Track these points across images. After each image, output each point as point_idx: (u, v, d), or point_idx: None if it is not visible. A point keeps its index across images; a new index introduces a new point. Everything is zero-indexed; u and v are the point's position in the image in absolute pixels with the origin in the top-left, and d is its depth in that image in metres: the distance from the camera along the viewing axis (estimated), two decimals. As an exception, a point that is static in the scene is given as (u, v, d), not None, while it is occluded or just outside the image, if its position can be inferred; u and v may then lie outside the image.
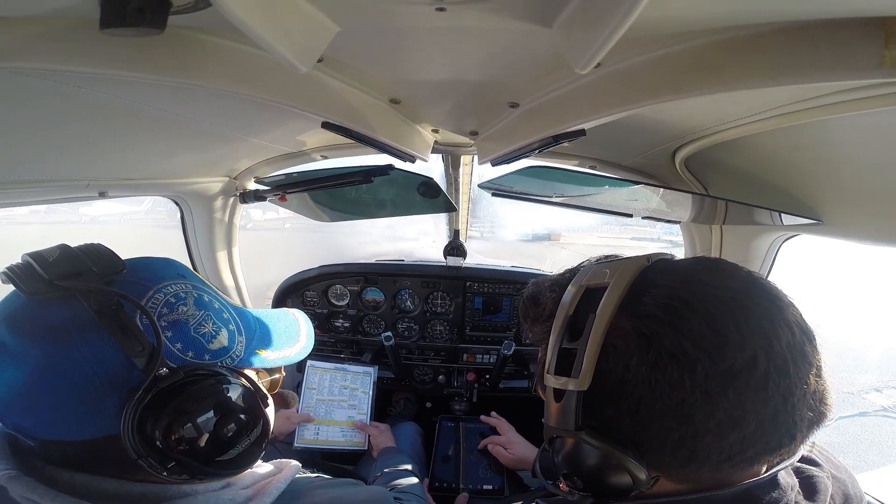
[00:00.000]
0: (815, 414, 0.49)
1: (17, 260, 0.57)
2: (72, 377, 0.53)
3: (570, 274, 0.63)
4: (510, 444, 1.62)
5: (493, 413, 1.79)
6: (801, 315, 0.50)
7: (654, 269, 0.55)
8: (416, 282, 2.10)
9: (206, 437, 0.57)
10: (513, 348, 1.88)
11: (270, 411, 0.73)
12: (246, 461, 0.63)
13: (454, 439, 1.76)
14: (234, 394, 0.61)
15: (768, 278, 0.54)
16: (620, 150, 1.31)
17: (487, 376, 2.09)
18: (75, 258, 0.57)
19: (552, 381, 0.54)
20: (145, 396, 0.53)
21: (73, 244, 0.60)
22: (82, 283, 0.55)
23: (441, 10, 0.54)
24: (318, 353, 1.88)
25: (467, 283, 2.08)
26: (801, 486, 0.53)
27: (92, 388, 0.54)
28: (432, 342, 2.16)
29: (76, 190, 1.10)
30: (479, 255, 2.37)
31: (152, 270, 0.63)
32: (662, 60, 0.68)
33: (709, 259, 0.57)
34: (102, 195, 1.17)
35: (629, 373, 0.49)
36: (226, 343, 0.64)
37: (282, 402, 0.92)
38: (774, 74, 0.58)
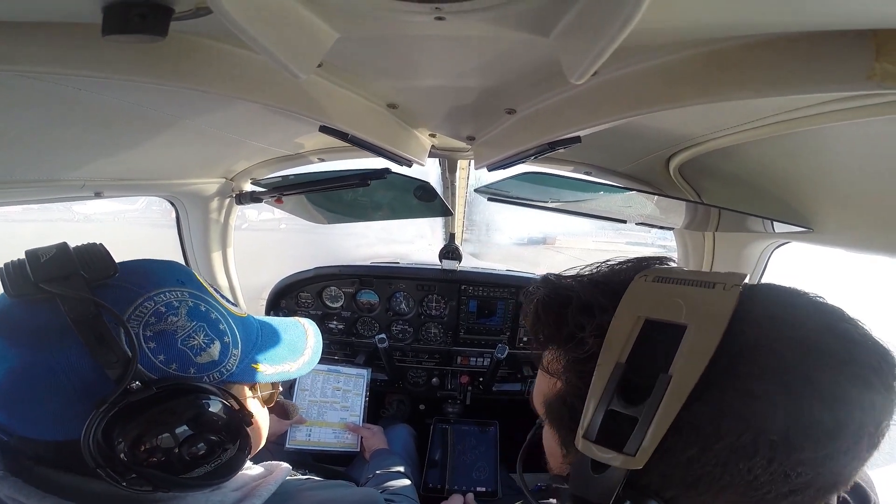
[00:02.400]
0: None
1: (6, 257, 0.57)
2: (46, 381, 0.53)
3: (606, 287, 0.50)
4: None
5: None
6: None
7: (749, 315, 0.41)
8: (410, 284, 2.10)
9: (169, 454, 0.55)
10: (506, 352, 1.89)
11: (257, 429, 0.71)
12: (217, 477, 0.60)
13: (448, 442, 1.77)
14: (209, 412, 0.58)
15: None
16: (615, 156, 1.32)
17: (481, 379, 2.10)
18: (66, 260, 0.56)
19: (593, 452, 0.42)
20: (111, 409, 0.52)
21: (70, 243, 0.59)
22: (67, 287, 0.54)
23: (440, 18, 0.54)
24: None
25: (462, 287, 2.09)
26: None
27: (64, 393, 0.53)
28: (426, 345, 2.16)
29: (72, 190, 1.10)
30: (474, 259, 2.38)
31: (148, 276, 0.61)
32: (657, 70, 0.68)
33: (826, 310, 0.43)
34: (98, 195, 1.17)
35: (704, 454, 0.39)
36: (216, 356, 0.62)
37: (282, 413, 0.91)
38: (766, 85, 0.58)
